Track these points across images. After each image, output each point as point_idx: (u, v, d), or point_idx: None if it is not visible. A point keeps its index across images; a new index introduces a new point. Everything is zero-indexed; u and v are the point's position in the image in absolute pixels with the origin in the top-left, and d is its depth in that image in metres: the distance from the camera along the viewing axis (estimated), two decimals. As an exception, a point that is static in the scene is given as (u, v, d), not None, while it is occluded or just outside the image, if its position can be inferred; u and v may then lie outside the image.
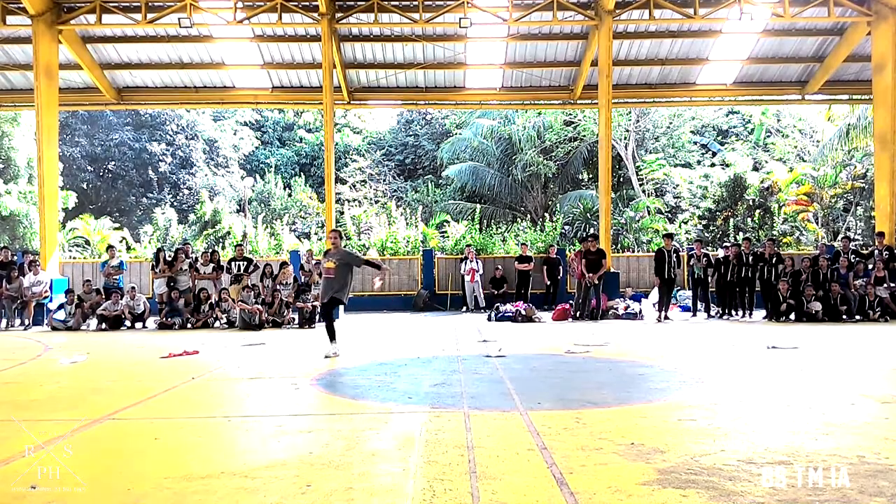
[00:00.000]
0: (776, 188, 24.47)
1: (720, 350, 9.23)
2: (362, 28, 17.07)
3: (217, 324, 13.76)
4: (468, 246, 18.61)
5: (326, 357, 8.22)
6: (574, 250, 17.16)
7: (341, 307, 9.42)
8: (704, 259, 14.71)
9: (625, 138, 28.67)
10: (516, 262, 17.61)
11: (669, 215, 27.68)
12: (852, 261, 14.62)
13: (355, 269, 9.01)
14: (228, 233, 24.65)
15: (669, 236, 15.52)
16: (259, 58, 18.29)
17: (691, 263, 14.79)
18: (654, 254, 15.47)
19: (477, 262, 17.60)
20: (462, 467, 3.76)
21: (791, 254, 17.01)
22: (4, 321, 14.52)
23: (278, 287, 14.03)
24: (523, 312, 14.12)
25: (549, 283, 17.29)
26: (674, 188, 29.22)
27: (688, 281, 17.69)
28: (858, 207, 25.13)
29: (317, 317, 14.07)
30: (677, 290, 17.39)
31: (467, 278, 17.49)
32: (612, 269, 16.27)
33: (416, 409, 5.37)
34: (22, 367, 8.46)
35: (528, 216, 28.59)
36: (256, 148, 39.63)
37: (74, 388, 6.74)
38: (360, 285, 18.82)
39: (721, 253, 15.07)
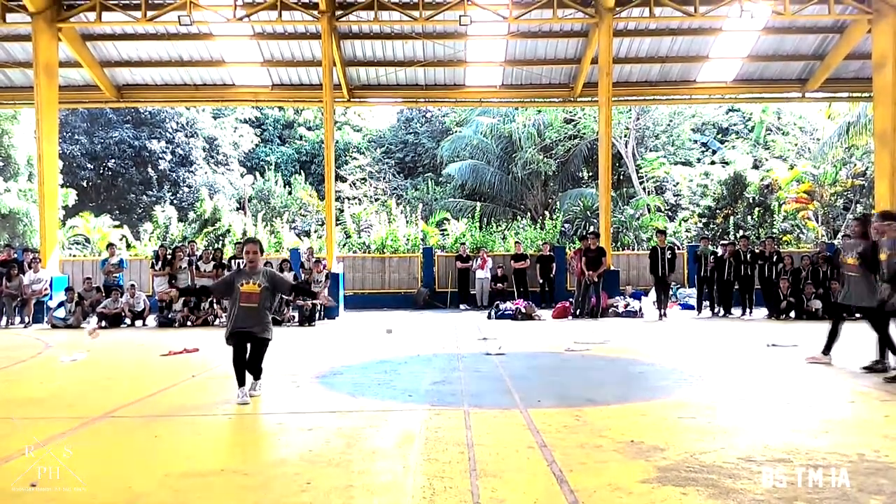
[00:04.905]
0: (776, 186, 24.44)
1: (720, 348, 9.24)
2: (362, 25, 17.05)
3: (217, 322, 13.74)
4: (462, 244, 18.75)
5: (243, 404, 5.57)
6: (574, 248, 17.19)
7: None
8: (713, 256, 14.69)
9: (625, 136, 28.64)
10: (512, 261, 17.71)
11: (669, 213, 27.67)
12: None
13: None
14: (228, 231, 24.62)
15: (662, 233, 15.51)
16: (259, 55, 18.26)
17: (711, 262, 14.62)
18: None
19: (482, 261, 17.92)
20: (462, 465, 3.76)
21: (791, 252, 17.00)
22: (4, 319, 14.52)
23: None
24: (523, 310, 14.12)
25: (541, 280, 17.39)
26: (674, 186, 29.20)
27: (689, 279, 17.68)
28: (858, 205, 25.10)
29: (316, 314, 14.08)
30: (677, 288, 17.38)
31: (480, 275, 17.75)
32: (612, 267, 16.27)
33: (416, 406, 5.37)
34: (22, 364, 8.47)
35: (528, 214, 28.59)
36: (256, 145, 39.60)
37: (74, 385, 6.74)
38: (361, 283, 18.89)
39: (719, 251, 15.07)
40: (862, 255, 7.12)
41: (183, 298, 13.93)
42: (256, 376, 5.96)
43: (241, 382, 5.74)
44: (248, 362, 5.81)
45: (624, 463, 3.77)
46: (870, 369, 6.73)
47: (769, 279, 14.29)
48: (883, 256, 6.76)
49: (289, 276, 13.48)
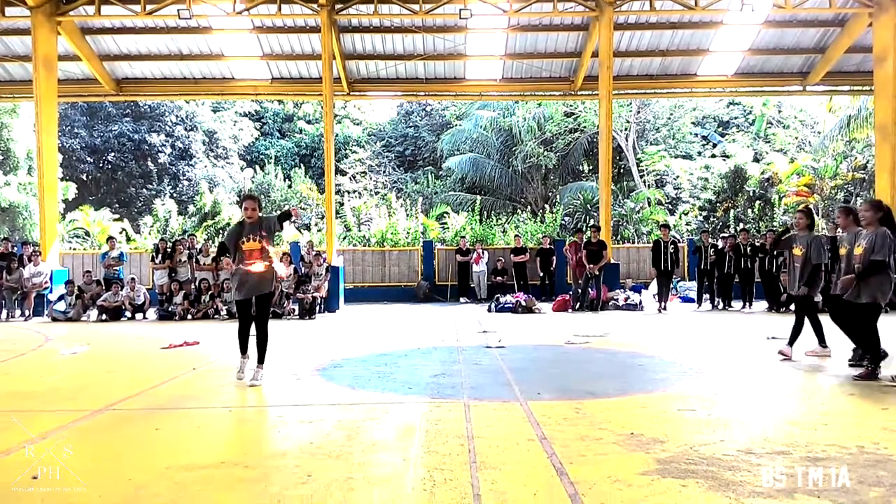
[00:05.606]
0: (777, 179, 24.41)
1: (720, 341, 9.25)
2: (362, 19, 16.98)
3: (217, 315, 13.76)
4: (463, 238, 18.73)
5: (240, 379, 6.21)
6: (570, 241, 17.20)
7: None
8: (713, 249, 14.73)
9: (625, 129, 28.58)
10: (512, 254, 17.70)
11: (670, 206, 27.65)
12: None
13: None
14: (228, 224, 24.62)
15: (666, 227, 15.65)
16: (258, 49, 18.20)
17: (712, 255, 14.67)
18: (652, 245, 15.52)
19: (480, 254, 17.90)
20: (462, 457, 3.77)
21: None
22: (5, 312, 14.53)
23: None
24: (523, 303, 14.13)
25: (541, 273, 17.41)
26: (674, 179, 29.17)
27: (689, 272, 17.65)
28: (859, 199, 25.08)
29: (317, 308, 14.09)
30: (678, 281, 17.39)
31: (476, 269, 17.79)
32: (612, 261, 16.27)
33: (416, 399, 5.38)
34: (22, 357, 8.47)
35: (529, 207, 28.56)
36: (256, 139, 39.54)
37: (75, 378, 6.75)
38: (361, 276, 18.90)
39: (720, 244, 15.09)
40: (808, 248, 7.36)
41: (183, 292, 13.97)
42: (261, 356, 6.24)
43: (244, 350, 6.23)
44: (255, 319, 6.25)
45: (624, 455, 3.78)
46: (856, 365, 6.57)
47: (769, 272, 14.29)
48: (842, 251, 6.78)
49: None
